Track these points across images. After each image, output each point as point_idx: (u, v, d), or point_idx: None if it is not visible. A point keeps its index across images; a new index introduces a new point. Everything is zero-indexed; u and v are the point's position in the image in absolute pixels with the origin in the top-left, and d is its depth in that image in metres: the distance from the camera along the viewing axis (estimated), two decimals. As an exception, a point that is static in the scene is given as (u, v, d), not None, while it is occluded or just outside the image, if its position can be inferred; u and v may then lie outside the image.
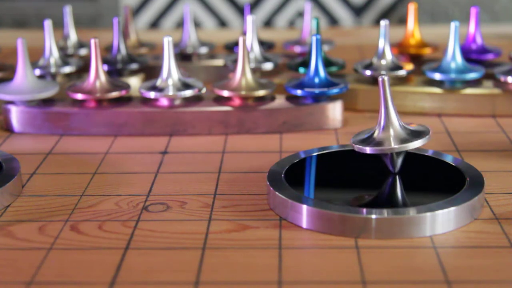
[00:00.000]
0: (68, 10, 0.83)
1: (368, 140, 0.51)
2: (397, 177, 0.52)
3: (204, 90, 0.66)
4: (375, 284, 0.41)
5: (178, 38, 0.84)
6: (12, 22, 1.35)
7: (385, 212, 0.46)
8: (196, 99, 0.67)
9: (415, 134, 0.51)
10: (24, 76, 0.66)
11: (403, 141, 0.50)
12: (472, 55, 0.76)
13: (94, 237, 0.47)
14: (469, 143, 0.62)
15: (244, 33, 0.82)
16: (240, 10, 1.33)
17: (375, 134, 0.51)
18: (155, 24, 1.35)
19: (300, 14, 1.32)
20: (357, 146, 0.51)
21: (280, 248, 0.45)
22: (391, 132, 0.51)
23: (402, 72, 0.70)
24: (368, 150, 0.50)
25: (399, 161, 0.51)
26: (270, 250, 0.45)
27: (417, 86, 0.71)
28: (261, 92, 0.66)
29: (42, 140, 0.65)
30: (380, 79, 0.51)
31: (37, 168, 0.58)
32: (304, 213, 0.47)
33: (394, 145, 0.50)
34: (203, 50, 0.82)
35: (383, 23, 0.70)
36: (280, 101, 0.67)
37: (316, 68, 0.66)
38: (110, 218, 0.49)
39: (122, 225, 0.48)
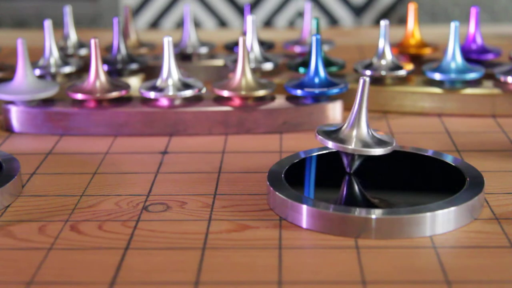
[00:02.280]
0: (68, 10, 0.83)
1: (333, 134, 0.51)
2: (396, 178, 0.52)
3: (204, 90, 0.66)
4: (375, 284, 0.41)
5: (178, 38, 0.84)
6: (12, 22, 1.35)
7: (385, 212, 0.46)
8: (196, 99, 0.67)
9: (379, 142, 0.51)
10: (24, 76, 0.66)
11: (365, 145, 0.50)
12: (472, 55, 0.76)
13: (94, 237, 0.47)
14: (469, 143, 0.62)
15: (244, 33, 0.82)
16: (240, 10, 1.33)
17: (341, 130, 0.51)
18: (155, 24, 1.35)
19: (300, 14, 1.32)
20: (320, 137, 0.51)
21: (280, 248, 0.45)
22: (355, 132, 0.51)
23: (402, 72, 0.70)
24: (330, 144, 0.50)
25: (357, 163, 0.52)
26: (270, 250, 0.45)
27: (417, 86, 0.71)
28: (261, 92, 0.66)
29: (42, 140, 0.65)
30: (361, 79, 0.51)
31: (37, 168, 0.58)
32: (304, 213, 0.47)
33: (354, 146, 0.50)
34: (203, 50, 0.82)
35: (383, 23, 0.70)
36: (280, 101, 0.67)
37: (316, 68, 0.66)
38: (110, 218, 0.49)
39: (122, 225, 0.48)
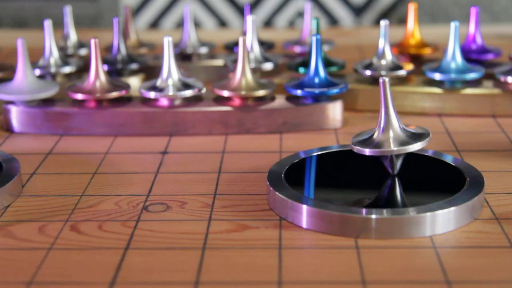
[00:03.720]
0: (68, 10, 0.83)
1: (368, 142, 0.51)
2: (396, 177, 0.52)
3: (204, 90, 0.66)
4: (375, 284, 0.41)
5: (178, 38, 0.84)
6: (12, 22, 1.35)
7: (385, 212, 0.46)
8: (196, 99, 0.67)
9: (415, 136, 0.51)
10: (24, 76, 0.66)
11: (403, 143, 0.50)
12: (472, 55, 0.76)
13: (94, 237, 0.47)
14: (469, 143, 0.62)
15: (244, 33, 0.82)
16: (240, 10, 1.33)
17: (375, 136, 0.51)
18: (155, 24, 1.35)
19: (300, 14, 1.32)
20: (357, 147, 0.51)
21: (280, 248, 0.45)
22: (391, 134, 0.51)
23: (402, 72, 0.70)
24: (367, 151, 0.50)
25: (398, 163, 0.51)
26: (270, 250, 0.45)
27: (417, 86, 0.71)
28: (261, 92, 0.66)
29: (42, 140, 0.65)
30: (381, 80, 0.51)
31: (37, 168, 0.58)
32: (304, 213, 0.47)
33: (393, 147, 0.50)
34: (203, 50, 0.82)
35: (383, 23, 0.70)
36: (280, 101, 0.67)
37: (316, 68, 0.66)
38: (110, 218, 0.49)
39: (122, 225, 0.48)
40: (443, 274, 0.42)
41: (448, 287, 0.41)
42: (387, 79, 0.51)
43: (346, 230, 0.46)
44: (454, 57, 0.69)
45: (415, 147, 0.50)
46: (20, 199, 0.53)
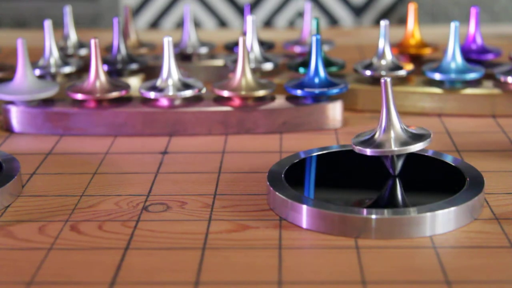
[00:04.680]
0: (68, 10, 0.83)
1: (369, 142, 0.51)
2: (397, 178, 0.52)
3: (204, 90, 0.66)
4: (375, 284, 0.41)
5: (178, 38, 0.84)
6: (12, 22, 1.35)
7: (385, 212, 0.46)
8: (196, 99, 0.67)
9: (416, 137, 0.51)
10: (24, 76, 0.66)
11: (404, 143, 0.50)
12: (472, 55, 0.76)
13: (94, 237, 0.47)
14: (469, 143, 0.62)
15: (244, 33, 0.82)
16: (240, 10, 1.33)
17: (376, 136, 0.51)
18: (155, 24, 1.35)
19: (300, 14, 1.32)
20: (358, 147, 0.51)
21: (280, 248, 0.45)
22: (392, 134, 0.51)
23: (402, 72, 0.70)
24: (368, 151, 0.50)
25: (399, 163, 0.51)
26: (270, 250, 0.45)
27: (417, 86, 0.71)
28: (261, 92, 0.66)
29: (42, 140, 0.65)
30: (382, 80, 0.51)
31: (37, 168, 0.58)
32: (304, 213, 0.47)
33: (394, 148, 0.50)
34: (203, 50, 0.82)
35: (383, 23, 0.70)
36: (280, 101, 0.67)
37: (316, 68, 0.66)
38: (110, 218, 0.49)
39: (122, 225, 0.48)
40: (443, 274, 0.42)
41: (448, 287, 0.41)
42: (388, 80, 0.51)
43: (346, 230, 0.46)
44: (454, 57, 0.69)
45: (416, 147, 0.50)
46: (20, 199, 0.53)
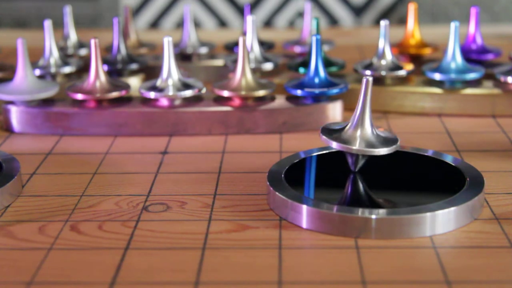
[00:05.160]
0: (68, 10, 0.83)
1: (336, 134, 0.51)
2: (396, 178, 0.52)
3: (204, 90, 0.66)
4: (375, 284, 0.41)
5: (178, 38, 0.84)
6: (12, 22, 1.35)
7: (385, 212, 0.46)
8: (196, 99, 0.67)
9: (383, 141, 0.51)
10: (24, 76, 0.66)
11: (368, 145, 0.50)
12: (472, 55, 0.76)
13: (94, 237, 0.47)
14: (469, 143, 0.62)
15: (244, 33, 0.82)
16: (240, 10, 1.33)
17: (345, 130, 0.51)
18: (155, 24, 1.35)
19: (300, 14, 1.32)
20: (324, 137, 0.51)
21: (280, 248, 0.45)
22: (359, 133, 0.51)
23: (402, 72, 0.70)
24: (334, 144, 0.50)
25: (361, 162, 0.51)
26: (270, 250, 0.45)
27: (417, 86, 0.71)
28: (261, 92, 0.66)
29: (42, 140, 0.65)
30: (364, 79, 0.51)
31: (37, 168, 0.58)
32: (304, 213, 0.47)
33: (358, 147, 0.50)
34: (203, 50, 0.82)
35: (383, 23, 0.70)
36: (280, 101, 0.67)
37: (316, 68, 0.66)
38: (110, 218, 0.49)
39: (122, 225, 0.48)
40: (443, 274, 0.42)
41: (448, 287, 0.41)
42: (370, 79, 0.51)
43: (346, 230, 0.46)
44: (454, 57, 0.69)
45: (379, 151, 0.50)
46: (20, 199, 0.53)
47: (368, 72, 0.70)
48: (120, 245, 0.46)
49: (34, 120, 0.66)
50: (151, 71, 0.78)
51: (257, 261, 0.44)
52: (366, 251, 0.44)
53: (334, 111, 0.66)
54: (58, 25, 0.88)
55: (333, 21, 1.33)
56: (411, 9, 0.80)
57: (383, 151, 0.50)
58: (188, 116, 0.65)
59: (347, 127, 0.51)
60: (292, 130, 0.66)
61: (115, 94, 0.66)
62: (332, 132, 0.52)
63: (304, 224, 0.47)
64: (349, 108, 0.70)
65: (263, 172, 0.56)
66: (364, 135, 0.51)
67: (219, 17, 1.34)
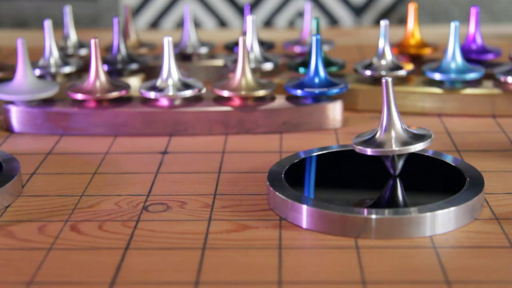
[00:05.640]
0: (68, 10, 0.83)
1: (370, 142, 0.51)
2: (397, 178, 0.52)
3: (204, 90, 0.66)
4: (375, 284, 0.41)
5: (178, 38, 0.84)
6: (12, 22, 1.34)
7: (385, 212, 0.46)
8: (196, 99, 0.67)
9: (417, 137, 0.51)
10: (24, 76, 0.66)
11: (405, 143, 0.50)
12: (472, 55, 0.76)
13: (94, 237, 0.47)
14: (469, 143, 0.62)
15: (244, 33, 0.82)
16: (240, 10, 1.33)
17: (377, 136, 0.51)
18: (155, 24, 1.35)
19: (300, 14, 1.32)
20: (358, 147, 0.51)
21: (280, 248, 0.45)
22: (393, 134, 0.51)
23: (402, 72, 0.70)
24: (369, 151, 0.50)
25: (400, 163, 0.51)
26: (270, 250, 0.45)
27: (417, 86, 0.71)
28: (261, 92, 0.66)
29: (42, 140, 0.65)
30: (384, 80, 0.51)
31: (37, 168, 0.58)
32: (304, 213, 0.47)
33: (395, 147, 0.50)
34: (203, 50, 0.82)
35: (383, 23, 0.70)
36: (280, 101, 0.67)
37: (316, 68, 0.66)
38: (110, 218, 0.49)
39: (122, 225, 0.48)
40: (443, 274, 0.42)
41: (448, 287, 0.41)
42: (390, 79, 0.51)
43: (346, 230, 0.46)
44: (454, 57, 0.69)
45: (417, 147, 0.50)
46: (20, 199, 0.53)
47: (368, 72, 0.70)
48: (120, 245, 0.46)
49: (34, 120, 0.66)
50: (151, 71, 0.78)
51: (257, 261, 0.44)
52: (366, 251, 0.44)
53: (334, 111, 0.66)
54: (58, 25, 0.88)
55: (333, 21, 1.33)
56: (411, 9, 0.80)
57: (419, 146, 0.50)
58: (188, 116, 0.65)
59: (378, 132, 0.51)
60: (292, 130, 0.66)
61: (115, 94, 0.66)
62: (364, 141, 0.51)
63: (304, 224, 0.47)
64: (349, 108, 0.70)
65: (263, 172, 0.56)
66: (398, 135, 0.50)
67: (219, 17, 1.34)
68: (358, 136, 0.53)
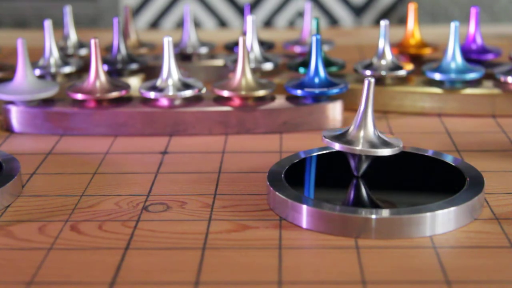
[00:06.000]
0: (68, 10, 0.83)
1: (339, 137, 0.51)
2: (396, 178, 0.52)
3: (204, 90, 0.66)
4: (375, 284, 0.41)
5: (178, 38, 0.84)
6: (12, 22, 1.35)
7: (385, 212, 0.46)
8: (196, 99, 0.67)
9: (385, 143, 0.50)
10: (24, 76, 0.66)
11: (372, 145, 0.50)
12: (472, 55, 0.76)
13: (94, 237, 0.47)
14: (469, 143, 0.62)
15: (244, 33, 0.82)
16: (240, 10, 1.33)
17: (348, 132, 0.51)
18: (155, 24, 1.35)
19: (300, 14, 1.32)
20: (326, 140, 0.51)
21: (280, 248, 0.45)
22: (363, 134, 0.51)
23: (402, 72, 0.70)
24: (337, 146, 0.50)
25: (364, 165, 0.51)
26: (270, 250, 0.45)
27: (417, 86, 0.71)
28: (261, 92, 0.66)
29: (42, 140, 0.65)
30: (366, 80, 0.51)
31: (37, 168, 0.58)
32: (304, 213, 0.47)
33: (362, 147, 0.50)
34: (203, 50, 0.82)
35: (383, 23, 0.70)
36: (280, 101, 0.67)
37: (316, 68, 0.66)
38: (110, 218, 0.49)
39: (122, 225, 0.48)
40: (443, 274, 0.42)
41: (448, 287, 0.41)
42: (372, 80, 0.51)
43: (346, 230, 0.46)
44: (454, 57, 0.69)
45: (383, 152, 0.50)
46: (20, 199, 0.53)
47: (368, 72, 0.70)
48: (120, 245, 0.46)
49: (34, 120, 0.66)
50: (151, 71, 0.78)
51: (257, 261, 0.44)
52: (366, 251, 0.44)
53: (334, 111, 0.66)
54: (58, 25, 0.88)
55: (333, 21, 1.33)
56: (411, 9, 0.80)
57: (385, 152, 0.50)
58: (188, 116, 0.65)
59: (350, 129, 0.51)
60: (292, 130, 0.66)
61: (115, 94, 0.66)
62: (335, 135, 0.51)
63: (304, 224, 0.47)
64: (349, 108, 0.70)
65: (263, 172, 0.56)
66: (367, 136, 0.51)
67: (219, 17, 1.34)
68: (331, 130, 0.53)
